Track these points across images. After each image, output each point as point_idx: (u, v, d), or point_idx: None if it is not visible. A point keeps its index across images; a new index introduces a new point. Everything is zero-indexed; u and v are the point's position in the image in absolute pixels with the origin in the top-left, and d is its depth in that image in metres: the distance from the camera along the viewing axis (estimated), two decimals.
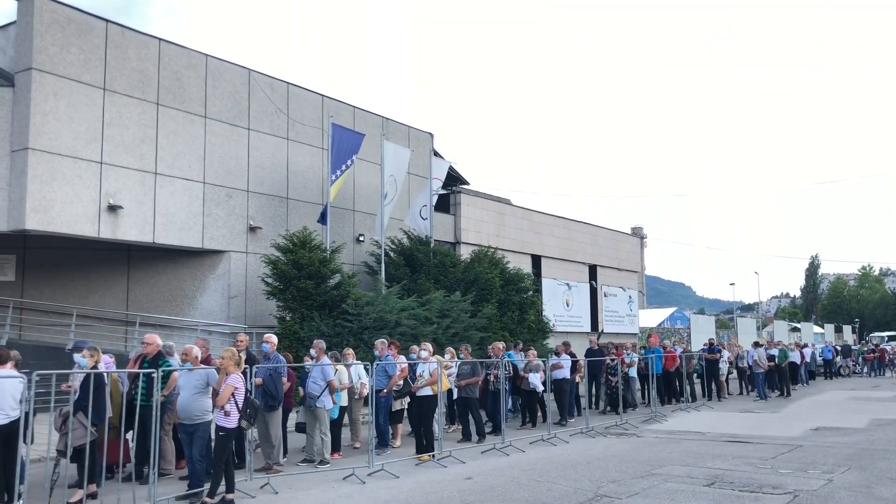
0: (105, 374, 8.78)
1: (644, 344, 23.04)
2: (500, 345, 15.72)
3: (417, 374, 12.44)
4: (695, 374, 22.65)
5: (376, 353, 12.84)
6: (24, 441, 7.62)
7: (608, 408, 18.28)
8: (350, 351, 13.22)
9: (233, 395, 8.44)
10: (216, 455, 8.50)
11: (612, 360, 17.99)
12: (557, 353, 17.26)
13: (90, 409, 8.31)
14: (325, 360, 11.55)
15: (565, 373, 16.51)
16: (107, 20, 17.90)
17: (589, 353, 18.77)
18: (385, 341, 13.07)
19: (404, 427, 13.60)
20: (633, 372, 19.10)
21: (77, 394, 8.39)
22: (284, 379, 11.05)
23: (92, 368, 8.72)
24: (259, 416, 10.60)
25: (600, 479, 9.86)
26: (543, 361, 15.66)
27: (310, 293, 18.72)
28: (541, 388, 15.40)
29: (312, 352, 11.78)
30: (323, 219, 20.97)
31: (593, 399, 18.86)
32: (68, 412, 8.25)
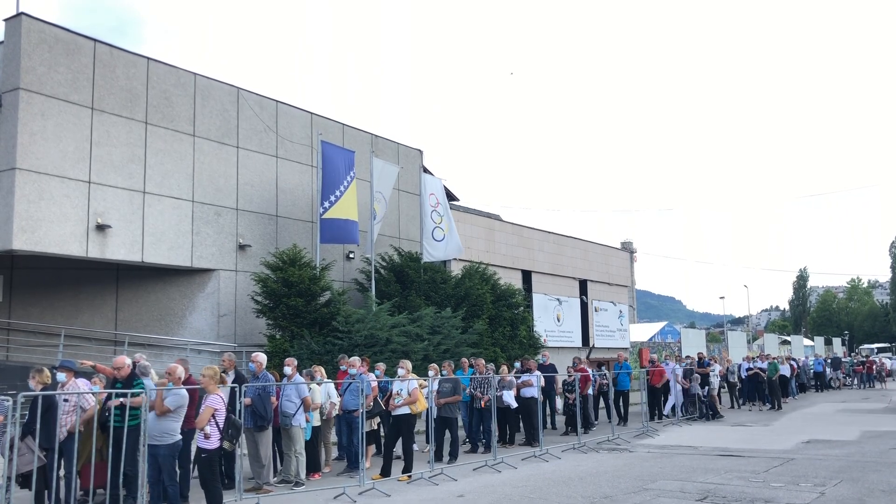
0: (55, 396, 8.47)
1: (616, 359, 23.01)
2: (482, 361, 15.58)
3: (394, 392, 11.99)
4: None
5: (353, 370, 12.46)
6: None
7: (568, 427, 17.33)
8: (319, 368, 12.68)
9: (213, 416, 8.31)
10: (205, 476, 8.41)
11: (571, 376, 17.05)
12: (527, 370, 16.16)
13: (38, 433, 7.90)
14: (299, 377, 11.47)
15: (533, 391, 15.30)
16: (95, 40, 17.87)
17: (542, 368, 17.55)
18: (357, 359, 12.77)
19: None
20: (589, 390, 18.04)
21: (26, 417, 8.11)
22: (273, 398, 10.97)
23: (41, 391, 8.42)
24: (249, 436, 10.52)
25: (593, 494, 9.83)
26: (516, 377, 15.50)
27: (300, 311, 18.65)
28: (514, 404, 14.95)
29: (287, 369, 11.63)
30: (354, 237, 21.38)
31: (547, 418, 17.92)
32: (13, 437, 7.94)
